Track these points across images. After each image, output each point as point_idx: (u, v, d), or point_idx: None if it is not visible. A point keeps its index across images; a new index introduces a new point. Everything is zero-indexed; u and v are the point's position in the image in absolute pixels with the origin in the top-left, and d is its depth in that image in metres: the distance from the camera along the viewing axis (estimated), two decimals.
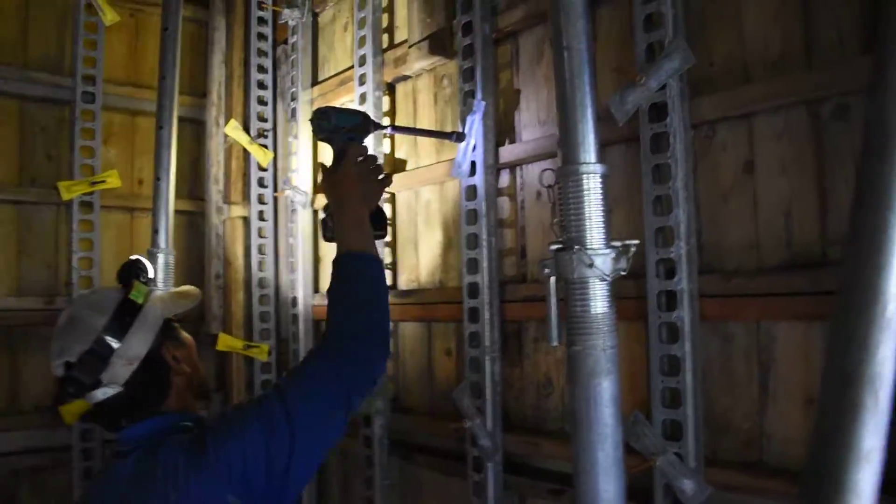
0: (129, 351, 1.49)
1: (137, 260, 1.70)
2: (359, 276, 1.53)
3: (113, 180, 2.85)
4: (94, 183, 2.80)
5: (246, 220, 3.12)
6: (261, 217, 3.10)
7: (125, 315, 1.52)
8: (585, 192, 1.27)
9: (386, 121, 2.57)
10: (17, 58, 2.84)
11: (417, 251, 2.51)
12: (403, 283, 2.56)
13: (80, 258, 2.81)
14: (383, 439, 2.46)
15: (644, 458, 1.66)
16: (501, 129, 2.17)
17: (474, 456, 2.10)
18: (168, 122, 2.50)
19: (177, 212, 2.91)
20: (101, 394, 1.50)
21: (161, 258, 2.48)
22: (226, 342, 2.95)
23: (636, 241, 1.34)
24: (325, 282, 2.92)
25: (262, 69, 3.15)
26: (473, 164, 2.12)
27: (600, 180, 1.28)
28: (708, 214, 1.70)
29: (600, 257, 1.25)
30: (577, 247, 1.25)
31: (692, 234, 1.65)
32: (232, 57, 3.19)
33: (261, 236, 3.09)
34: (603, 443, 1.28)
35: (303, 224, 2.91)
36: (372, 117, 2.05)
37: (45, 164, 2.88)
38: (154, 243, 2.49)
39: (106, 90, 2.91)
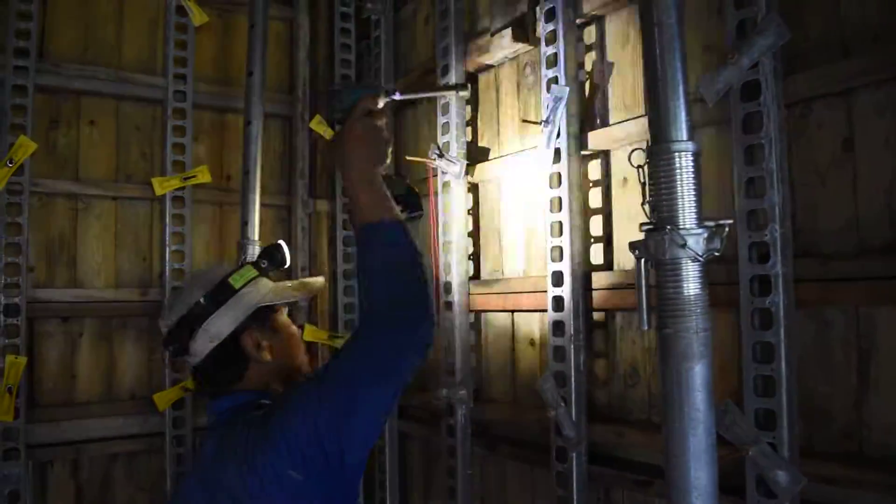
0: (211, 328, 1.54)
1: (276, 246, 1.76)
2: (379, 247, 1.43)
3: (203, 175, 2.94)
4: (185, 178, 2.90)
5: (330, 214, 3.17)
6: (344, 211, 3.15)
7: (219, 294, 1.56)
8: (677, 171, 1.24)
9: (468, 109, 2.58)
10: (113, 59, 2.96)
11: (501, 240, 2.50)
12: (486, 273, 2.56)
13: (173, 251, 2.91)
14: (466, 429, 2.46)
15: (735, 448, 1.61)
16: (586, 115, 2.15)
17: (558, 446, 2.08)
18: (256, 117, 2.56)
19: (266, 205, 3.01)
20: (191, 359, 1.59)
21: (250, 249, 2.55)
22: (311, 332, 3.01)
23: (730, 220, 1.30)
24: None
25: (345, 64, 3.20)
26: (558, 150, 2.10)
27: (692, 158, 1.25)
28: (803, 195, 1.64)
29: (693, 237, 1.22)
30: (669, 227, 1.22)
31: (787, 217, 1.60)
32: (317, 53, 3.26)
33: (345, 229, 3.14)
34: (695, 429, 1.25)
35: None
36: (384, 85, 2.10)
37: (140, 160, 2.99)
38: (243, 235, 2.56)
39: (196, 88, 3.00)
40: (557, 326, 2.10)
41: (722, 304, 1.71)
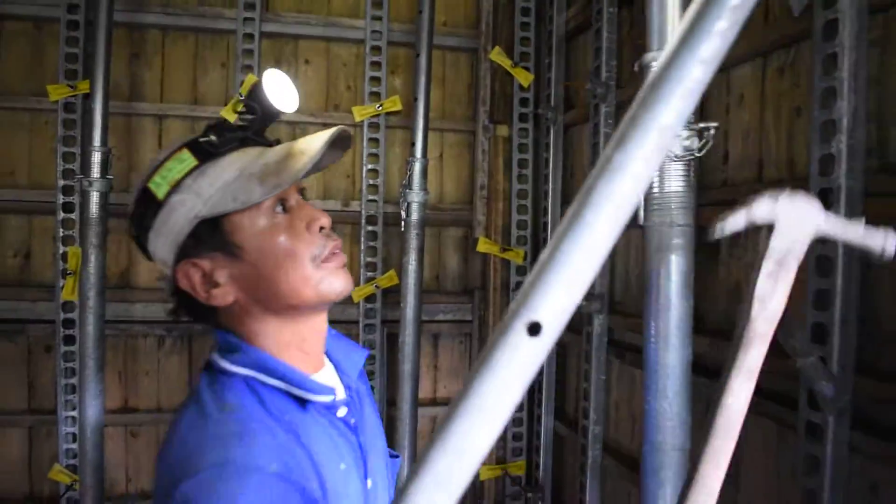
0: (157, 253, 1.03)
1: (254, 87, 1.09)
2: None
3: (394, 104, 3.31)
4: (379, 107, 3.29)
5: (508, 138, 3.40)
6: (521, 134, 3.36)
7: (146, 208, 1.01)
8: None
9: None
10: (323, 7, 3.43)
11: None
12: None
13: (369, 170, 3.34)
14: (602, 337, 2.62)
15: (788, 358, 1.63)
16: None
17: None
18: (424, 50, 2.86)
19: (453, 130, 3.40)
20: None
21: (417, 165, 2.90)
22: (484, 245, 3.29)
23: (715, 124, 1.34)
24: (571, 194, 3.11)
25: None
26: None
27: None
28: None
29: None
30: None
31: (857, 128, 1.55)
32: None
33: (520, 152, 3.35)
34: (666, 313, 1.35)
35: (555, 140, 3.12)
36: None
37: (345, 92, 3.45)
38: (411, 153, 2.91)
39: (392, 28, 3.37)
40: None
41: None
